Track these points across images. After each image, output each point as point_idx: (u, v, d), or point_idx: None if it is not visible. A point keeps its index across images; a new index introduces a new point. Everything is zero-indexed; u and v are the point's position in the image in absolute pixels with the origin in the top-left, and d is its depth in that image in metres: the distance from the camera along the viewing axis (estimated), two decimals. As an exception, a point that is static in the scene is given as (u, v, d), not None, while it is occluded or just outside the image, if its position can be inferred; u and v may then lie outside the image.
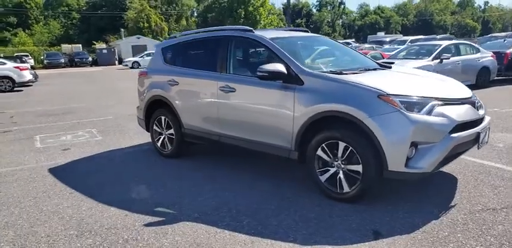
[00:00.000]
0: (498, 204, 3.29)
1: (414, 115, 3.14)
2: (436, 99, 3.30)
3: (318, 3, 79.78)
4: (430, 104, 3.22)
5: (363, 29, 77.89)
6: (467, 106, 3.47)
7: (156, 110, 5.27)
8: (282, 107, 3.78)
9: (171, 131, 5.07)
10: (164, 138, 5.21)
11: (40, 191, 4.13)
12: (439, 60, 9.95)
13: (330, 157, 3.52)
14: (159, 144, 5.29)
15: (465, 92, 3.73)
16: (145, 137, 6.03)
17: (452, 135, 3.18)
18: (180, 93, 4.84)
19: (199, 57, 5.00)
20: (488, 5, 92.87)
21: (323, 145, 3.53)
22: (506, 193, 3.52)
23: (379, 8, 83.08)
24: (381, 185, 3.44)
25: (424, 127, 3.12)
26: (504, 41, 13.84)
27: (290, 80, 3.72)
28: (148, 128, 5.53)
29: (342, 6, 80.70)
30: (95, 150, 5.75)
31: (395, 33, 60.96)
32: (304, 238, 2.89)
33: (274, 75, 3.73)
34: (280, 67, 3.73)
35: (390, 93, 3.24)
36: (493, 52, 11.58)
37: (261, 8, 42.08)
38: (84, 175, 4.63)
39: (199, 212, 3.41)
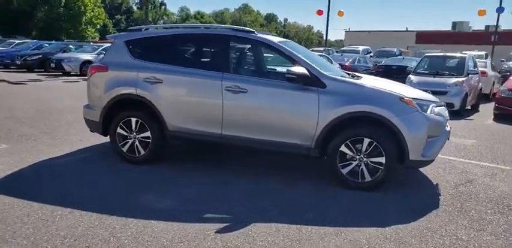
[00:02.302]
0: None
1: (428, 115, 4.05)
2: (432, 101, 4.30)
3: (139, 1, 77.75)
4: (431, 105, 4.19)
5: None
6: (443, 107, 4.60)
7: (121, 111, 4.79)
8: (305, 108, 4.16)
9: (146, 134, 4.70)
10: (133, 142, 4.78)
11: None
12: None
13: (353, 152, 4.11)
14: (125, 149, 4.81)
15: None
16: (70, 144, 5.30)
17: (447, 129, 4.23)
18: (164, 92, 4.58)
19: (189, 54, 4.81)
20: (287, 21, 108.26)
21: (347, 141, 4.10)
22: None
23: (198, 13, 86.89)
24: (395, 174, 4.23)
25: (433, 124, 4.07)
26: (341, 55, 16.95)
27: (312, 83, 4.15)
28: (105, 132, 4.96)
29: (163, 7, 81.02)
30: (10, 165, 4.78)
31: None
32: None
33: (301, 78, 4.10)
34: (305, 70, 4.12)
35: (408, 96, 4.07)
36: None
37: (86, -2, 38.77)
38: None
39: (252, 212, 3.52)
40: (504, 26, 37.22)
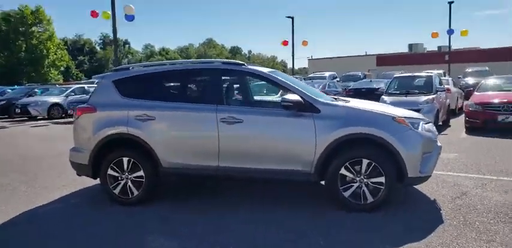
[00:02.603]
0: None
1: (420, 132, 4.20)
2: (420, 119, 4.47)
3: (101, 41, 78.03)
4: (421, 123, 4.35)
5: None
6: (431, 123, 4.77)
7: (111, 152, 4.69)
8: (302, 134, 4.22)
9: (139, 173, 4.59)
10: (126, 183, 4.65)
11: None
12: None
13: (353, 174, 4.16)
14: (117, 191, 4.66)
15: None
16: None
17: (438, 144, 4.38)
18: (157, 129, 4.54)
19: (179, 90, 4.83)
20: (252, 53, 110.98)
21: (346, 164, 4.16)
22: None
23: (163, 49, 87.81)
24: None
25: (426, 140, 4.21)
26: (311, 81, 17.41)
27: (305, 109, 4.24)
28: (95, 174, 4.81)
29: (127, 45, 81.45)
30: None
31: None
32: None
33: (296, 105, 4.19)
34: (298, 97, 4.22)
35: (400, 116, 4.22)
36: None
37: (49, 41, 38.27)
38: None
39: None
40: (457, 45, 39.67)
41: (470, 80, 19.84)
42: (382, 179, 4.10)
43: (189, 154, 4.50)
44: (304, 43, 27.78)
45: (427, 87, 10.45)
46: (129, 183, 4.63)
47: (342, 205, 4.21)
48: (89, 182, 5.55)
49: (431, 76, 10.83)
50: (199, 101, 4.61)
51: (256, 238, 3.59)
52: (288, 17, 29.38)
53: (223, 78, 4.63)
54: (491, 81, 11.32)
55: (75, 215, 4.44)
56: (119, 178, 4.66)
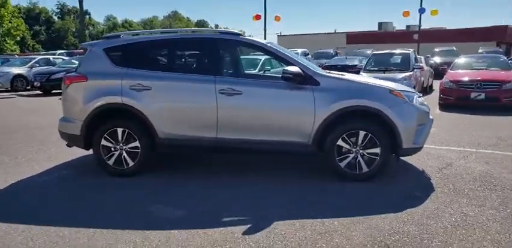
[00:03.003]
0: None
1: (415, 105, 4.37)
2: (414, 92, 4.64)
3: (59, 10, 73.81)
4: (415, 96, 4.52)
5: (112, 41, 77.52)
6: (422, 97, 4.97)
7: (105, 122, 4.60)
8: (301, 106, 4.30)
9: (135, 144, 4.55)
10: (121, 153, 4.60)
11: None
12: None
13: (350, 145, 4.32)
14: (111, 161, 4.62)
15: None
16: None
17: (430, 117, 4.59)
18: (153, 99, 4.47)
19: (175, 60, 4.73)
20: (218, 27, 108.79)
21: (344, 135, 4.30)
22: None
23: (126, 21, 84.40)
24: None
25: (420, 113, 4.41)
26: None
27: (305, 81, 4.30)
28: (87, 145, 4.72)
29: (88, 16, 77.54)
30: None
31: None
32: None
33: (297, 77, 4.23)
34: (299, 69, 4.27)
35: (396, 89, 4.37)
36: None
37: (2, 8, 35.71)
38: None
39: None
40: (423, 25, 40.57)
41: (438, 59, 20.56)
42: (377, 150, 4.28)
43: (186, 125, 4.49)
44: (277, 18, 27.50)
45: (405, 64, 10.76)
46: (124, 154, 4.59)
47: (338, 174, 4.38)
48: (75, 153, 5.47)
49: (409, 53, 11.14)
50: (196, 72, 4.58)
51: (272, 208, 3.71)
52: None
53: (219, 48, 4.58)
54: (464, 60, 11.77)
55: (73, 186, 4.40)
56: (113, 148, 4.60)
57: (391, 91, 4.35)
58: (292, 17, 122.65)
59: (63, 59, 17.95)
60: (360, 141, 4.29)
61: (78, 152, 5.44)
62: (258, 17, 26.80)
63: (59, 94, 5.91)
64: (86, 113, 4.57)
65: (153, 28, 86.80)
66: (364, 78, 4.91)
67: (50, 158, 5.52)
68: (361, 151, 4.31)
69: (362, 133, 4.27)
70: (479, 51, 23.11)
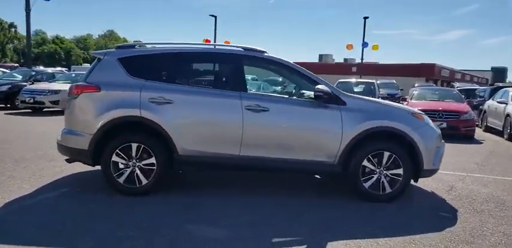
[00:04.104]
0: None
1: (433, 127, 4.60)
2: (427, 116, 4.89)
3: (-20, 21, 68.58)
4: (427, 117, 4.76)
5: (40, 57, 73.29)
6: None
7: (117, 136, 4.26)
8: (328, 125, 4.33)
9: (150, 160, 4.25)
10: (133, 171, 4.26)
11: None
12: None
13: (374, 165, 4.39)
14: (122, 179, 4.25)
15: None
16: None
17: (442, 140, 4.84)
18: (176, 114, 4.24)
19: (197, 74, 4.54)
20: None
21: (369, 156, 4.37)
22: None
23: (57, 37, 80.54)
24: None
25: (438, 135, 4.63)
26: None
27: (332, 101, 4.36)
28: (95, 161, 4.32)
29: (13, 29, 73.03)
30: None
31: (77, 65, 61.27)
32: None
33: (327, 96, 4.28)
34: (328, 89, 4.32)
35: (415, 111, 4.58)
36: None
37: None
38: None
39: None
40: (358, 59, 43.56)
41: (382, 91, 22.04)
42: (400, 171, 4.39)
43: (208, 142, 4.30)
44: (226, 42, 27.95)
45: (370, 92, 11.36)
46: (137, 171, 4.25)
47: (362, 195, 4.41)
48: (65, 171, 4.98)
49: (373, 82, 11.82)
50: (221, 87, 4.45)
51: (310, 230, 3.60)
52: (212, 15, 29.37)
53: (242, 64, 4.52)
54: (420, 91, 12.73)
55: (75, 206, 3.94)
56: (125, 165, 4.25)
57: (413, 113, 4.55)
58: (242, 43, 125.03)
59: (3, 72, 16.54)
60: (384, 162, 4.39)
61: (64, 169, 4.98)
62: (207, 41, 27.01)
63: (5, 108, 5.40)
64: (97, 126, 4.20)
65: (88, 46, 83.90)
66: (384, 101, 5.11)
67: (34, 175, 4.95)
68: (384, 171, 4.40)
69: (386, 154, 4.38)
70: (416, 85, 25.21)
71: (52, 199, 4.11)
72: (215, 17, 29.23)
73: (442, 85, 35.41)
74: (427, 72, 35.97)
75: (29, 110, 13.00)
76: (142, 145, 4.24)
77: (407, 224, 3.76)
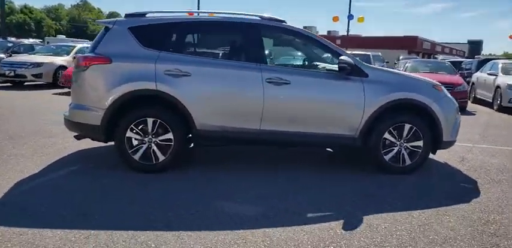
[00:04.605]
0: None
1: (452, 99, 4.55)
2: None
3: None
4: (446, 89, 4.71)
5: (8, 28, 69.86)
6: None
7: (131, 111, 4.05)
8: (351, 98, 4.22)
9: (167, 136, 4.08)
10: (149, 147, 4.09)
11: None
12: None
13: (395, 138, 4.35)
14: (137, 156, 4.08)
15: None
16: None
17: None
18: (193, 87, 4.03)
19: (214, 44, 4.30)
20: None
21: (390, 128, 4.31)
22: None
23: (26, 7, 76.63)
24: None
25: (457, 107, 4.60)
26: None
27: (355, 73, 4.23)
28: (107, 138, 4.12)
29: (-21, -2, 68.90)
30: None
31: (49, 36, 58.61)
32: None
33: (350, 67, 4.14)
34: (351, 60, 4.18)
35: (435, 83, 4.51)
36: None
37: None
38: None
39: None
40: (341, 32, 43.24)
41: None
42: (420, 143, 4.36)
43: (228, 116, 4.14)
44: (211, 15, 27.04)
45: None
46: (154, 147, 4.08)
47: (382, 168, 4.39)
48: (70, 147, 4.78)
49: (369, 55, 11.71)
50: (239, 59, 4.25)
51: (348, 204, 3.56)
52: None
53: (262, 34, 4.29)
54: (413, 63, 12.72)
55: (91, 183, 3.77)
56: (142, 141, 4.07)
57: (434, 85, 4.48)
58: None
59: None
60: (405, 134, 4.34)
61: (68, 145, 4.77)
62: (190, 14, 26.08)
63: None
64: (111, 100, 3.97)
65: (59, 17, 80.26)
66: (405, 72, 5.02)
67: (37, 153, 4.72)
68: (404, 144, 4.37)
69: (407, 126, 4.33)
70: (400, 58, 25.29)
71: (63, 178, 3.91)
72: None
73: (423, 58, 35.71)
74: (409, 44, 36.12)
75: (9, 84, 12.45)
76: (159, 120, 4.05)
77: (433, 197, 3.76)
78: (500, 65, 11.82)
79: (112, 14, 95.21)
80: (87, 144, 4.93)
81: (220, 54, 4.35)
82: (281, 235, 2.85)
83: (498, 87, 10.93)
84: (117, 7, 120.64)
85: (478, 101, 12.55)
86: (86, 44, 14.64)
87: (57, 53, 13.61)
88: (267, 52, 4.85)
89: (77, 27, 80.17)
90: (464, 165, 4.92)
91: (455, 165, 4.91)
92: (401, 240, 2.84)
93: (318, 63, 4.78)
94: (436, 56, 31.30)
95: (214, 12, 4.52)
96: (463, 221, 3.18)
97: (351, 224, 3.07)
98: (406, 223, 3.12)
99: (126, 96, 3.99)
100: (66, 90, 11.38)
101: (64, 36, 36.81)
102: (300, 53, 5.21)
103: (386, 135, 4.32)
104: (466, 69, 16.44)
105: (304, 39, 4.57)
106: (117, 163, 4.23)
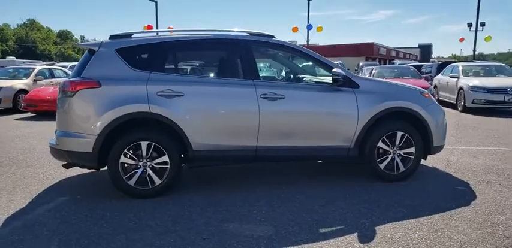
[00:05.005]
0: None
1: (439, 105, 4.74)
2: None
3: None
4: (431, 95, 4.90)
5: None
6: None
7: (124, 135, 3.92)
8: (345, 109, 4.31)
9: (163, 159, 3.98)
10: (144, 171, 3.97)
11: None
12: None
13: (389, 146, 4.46)
14: (132, 181, 3.95)
15: None
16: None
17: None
18: (187, 107, 3.97)
19: (205, 62, 4.24)
20: (84, 39, 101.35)
21: (383, 137, 4.42)
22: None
23: (-32, 28, 73.13)
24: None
25: (443, 112, 4.78)
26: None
27: (346, 84, 4.33)
28: (100, 164, 3.97)
29: None
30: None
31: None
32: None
33: (342, 79, 4.23)
34: (342, 71, 4.28)
35: (423, 90, 4.69)
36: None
37: None
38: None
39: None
40: (299, 41, 44.20)
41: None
42: (412, 149, 4.50)
43: (224, 135, 4.10)
44: (170, 28, 26.96)
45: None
46: (149, 171, 3.97)
47: (377, 176, 4.48)
48: (49, 177, 4.56)
49: (338, 64, 11.95)
50: (232, 76, 4.23)
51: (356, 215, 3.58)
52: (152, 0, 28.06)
53: (252, 50, 4.31)
54: (380, 69, 13.18)
55: (88, 216, 3.60)
56: (136, 166, 3.95)
57: (421, 92, 4.66)
58: (186, 26, 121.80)
59: None
60: (397, 142, 4.46)
61: (49, 174, 4.57)
62: (150, 27, 25.91)
63: None
64: (102, 126, 3.83)
65: (5, 37, 77.01)
66: (393, 81, 5.18)
67: (18, 185, 4.46)
68: (397, 151, 4.49)
69: (400, 134, 4.45)
70: (360, 64, 26.13)
71: (56, 211, 3.69)
72: (156, 1, 27.97)
73: (379, 63, 37.07)
74: (366, 50, 37.43)
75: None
76: (153, 143, 3.94)
77: (433, 202, 3.86)
78: (460, 68, 12.47)
79: (63, 32, 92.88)
80: (70, 172, 4.74)
81: (212, 72, 4.32)
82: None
83: (461, 89, 11.51)
84: (67, 25, 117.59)
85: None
86: (45, 66, 14.17)
87: (14, 76, 13.07)
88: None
89: (25, 48, 77.35)
90: (451, 168, 5.11)
91: (444, 169, 5.09)
92: (420, 248, 2.90)
93: (307, 76, 4.85)
94: (393, 61, 32.55)
95: (197, 30, 4.48)
96: (471, 225, 3.29)
97: (366, 237, 3.10)
98: (417, 231, 3.19)
99: (119, 120, 3.86)
100: (28, 114, 10.94)
101: (14, 58, 35.30)
102: (290, 67, 5.28)
103: (380, 144, 4.42)
104: (426, 73, 17.22)
105: (295, 52, 4.62)
106: (108, 190, 4.08)
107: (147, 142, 3.93)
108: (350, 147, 4.37)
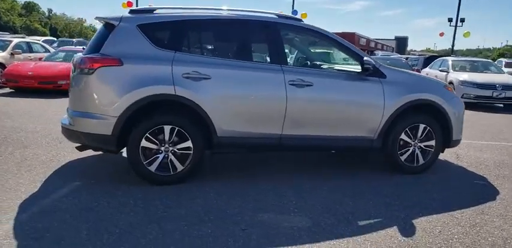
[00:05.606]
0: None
1: (460, 99, 4.75)
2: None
3: None
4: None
5: None
6: None
7: (145, 118, 3.72)
8: (372, 99, 4.24)
9: (187, 144, 3.80)
10: (166, 156, 3.80)
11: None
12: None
13: (411, 138, 4.45)
14: (153, 167, 3.77)
15: None
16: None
17: (462, 110, 5.04)
18: (214, 91, 3.79)
19: (233, 44, 4.03)
20: (52, 12, 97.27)
21: (406, 129, 4.41)
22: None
23: None
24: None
25: (463, 106, 4.80)
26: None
27: (373, 73, 4.25)
28: (119, 147, 3.77)
29: None
30: None
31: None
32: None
33: (372, 68, 4.15)
34: (372, 60, 4.19)
35: (446, 83, 4.68)
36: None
37: None
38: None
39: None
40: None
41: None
42: (432, 142, 4.51)
43: (249, 121, 3.96)
44: (150, 5, 26.05)
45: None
46: (171, 157, 3.80)
47: (397, 168, 4.48)
48: (56, 160, 4.32)
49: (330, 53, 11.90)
50: (259, 59, 4.08)
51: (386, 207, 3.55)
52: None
53: (280, 34, 4.14)
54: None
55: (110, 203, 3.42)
56: (157, 150, 3.77)
57: (445, 85, 4.65)
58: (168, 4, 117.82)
59: None
60: (419, 134, 4.46)
61: (52, 156, 4.33)
62: (130, 4, 24.96)
63: None
64: (123, 107, 3.61)
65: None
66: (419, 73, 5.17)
67: (22, 166, 4.19)
68: (419, 144, 4.49)
69: (422, 126, 4.44)
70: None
71: (74, 196, 3.49)
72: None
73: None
74: (348, 41, 37.36)
75: None
76: (177, 128, 3.76)
77: (459, 195, 3.89)
78: (450, 62, 12.70)
79: (29, 4, 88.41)
80: (74, 154, 4.51)
81: (240, 55, 4.12)
82: (348, 247, 2.78)
83: (451, 83, 11.71)
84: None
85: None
86: (22, 39, 13.42)
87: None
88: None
89: (-13, 19, 73.25)
90: (463, 162, 5.18)
91: (456, 162, 5.15)
92: (465, 244, 2.90)
93: (333, 64, 4.75)
94: (375, 52, 32.84)
95: (223, 10, 4.26)
96: (506, 220, 3.33)
97: (406, 230, 3.08)
98: (456, 225, 3.20)
99: (142, 102, 3.64)
100: (7, 90, 10.36)
101: (7, 33, 33.11)
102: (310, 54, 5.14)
103: (403, 136, 4.41)
104: (412, 66, 17.45)
105: (322, 38, 4.48)
106: (121, 175, 3.92)
107: (171, 127, 3.75)
108: (374, 138, 4.33)
